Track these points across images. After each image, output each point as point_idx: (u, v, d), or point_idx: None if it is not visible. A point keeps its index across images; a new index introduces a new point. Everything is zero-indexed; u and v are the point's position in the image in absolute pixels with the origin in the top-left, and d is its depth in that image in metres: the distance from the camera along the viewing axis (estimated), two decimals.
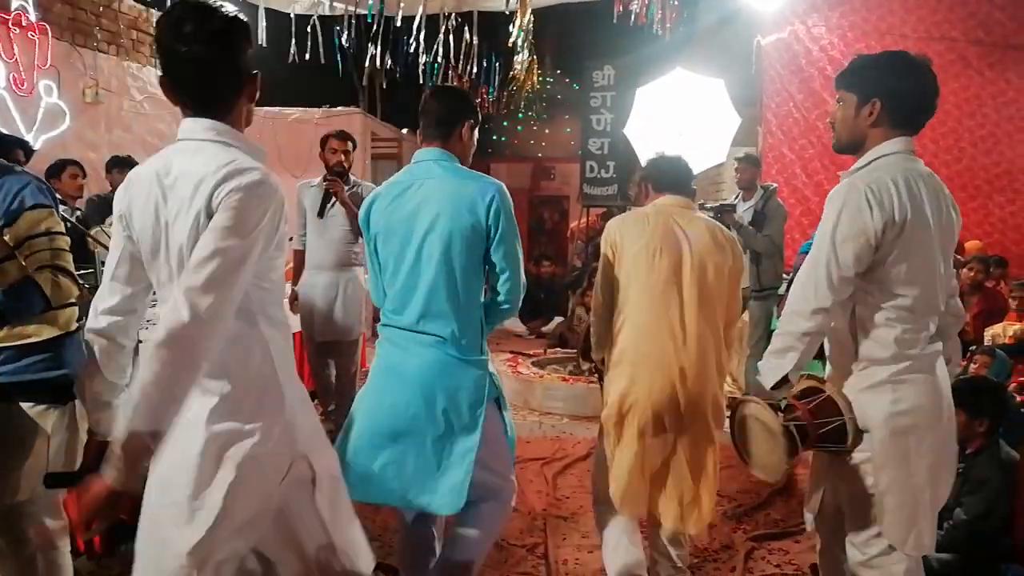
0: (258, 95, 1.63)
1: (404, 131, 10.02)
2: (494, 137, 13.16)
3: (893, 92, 1.92)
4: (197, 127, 1.53)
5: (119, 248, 1.60)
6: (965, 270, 5.05)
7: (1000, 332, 4.51)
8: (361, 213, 2.29)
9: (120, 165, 5.02)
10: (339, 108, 7.92)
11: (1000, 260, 5.73)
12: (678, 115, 5.62)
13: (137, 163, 5.05)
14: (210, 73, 1.50)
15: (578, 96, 9.91)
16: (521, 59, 8.36)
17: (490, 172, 2.61)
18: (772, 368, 1.96)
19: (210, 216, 1.46)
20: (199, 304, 1.38)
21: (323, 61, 6.41)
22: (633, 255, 2.44)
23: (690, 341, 2.38)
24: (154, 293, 1.64)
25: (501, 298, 2.25)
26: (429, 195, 2.15)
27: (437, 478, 2.14)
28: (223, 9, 1.51)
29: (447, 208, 2.12)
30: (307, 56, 6.33)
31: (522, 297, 2.26)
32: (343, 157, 4.14)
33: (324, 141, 4.17)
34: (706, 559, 3.11)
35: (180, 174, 1.50)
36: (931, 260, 1.91)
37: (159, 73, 1.59)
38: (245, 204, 1.45)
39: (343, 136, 4.22)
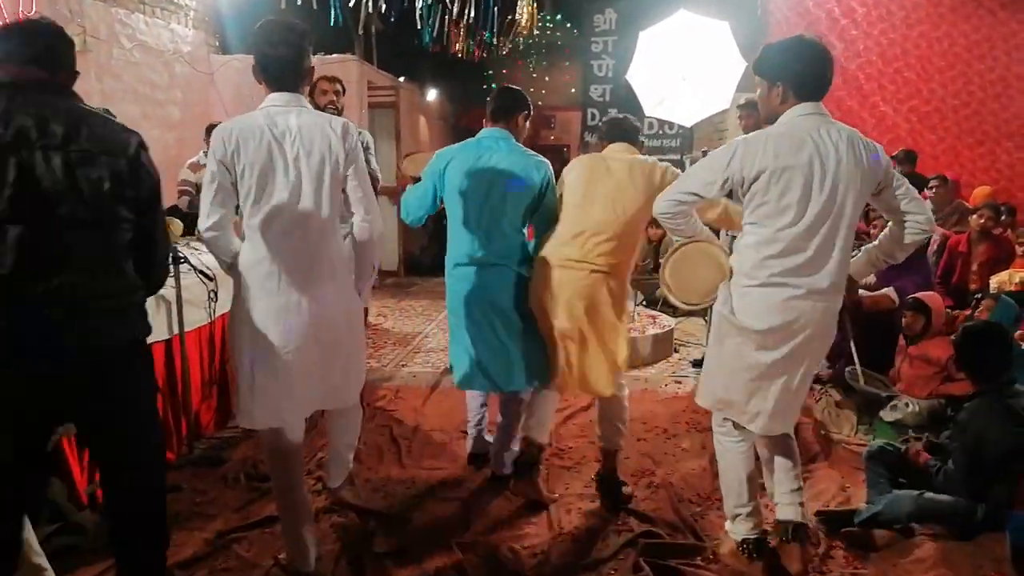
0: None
1: (401, 79, 9.81)
2: (492, 85, 12.91)
3: (793, 75, 2.37)
4: (285, 99, 2.30)
5: (216, 182, 2.26)
6: (975, 217, 4.98)
7: (1006, 279, 4.47)
8: (435, 167, 3.01)
9: None
10: (334, 55, 7.70)
11: (1011, 208, 5.65)
12: (682, 59, 5.47)
13: (112, 115, 4.95)
14: (290, 66, 2.28)
15: (579, 42, 9.69)
16: (522, 3, 8.14)
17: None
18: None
19: (347, 154, 2.33)
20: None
21: (315, 6, 6.22)
22: (566, 187, 3.07)
23: (597, 248, 2.91)
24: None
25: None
26: (501, 162, 2.93)
27: (515, 361, 3.00)
28: (298, 25, 2.30)
29: (518, 173, 2.92)
30: (299, 1, 6.13)
31: None
32: (334, 98, 4.12)
33: (313, 86, 4.10)
34: (710, 506, 3.11)
35: (296, 127, 2.26)
36: (792, 207, 2.31)
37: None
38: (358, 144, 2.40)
39: (332, 79, 4.20)
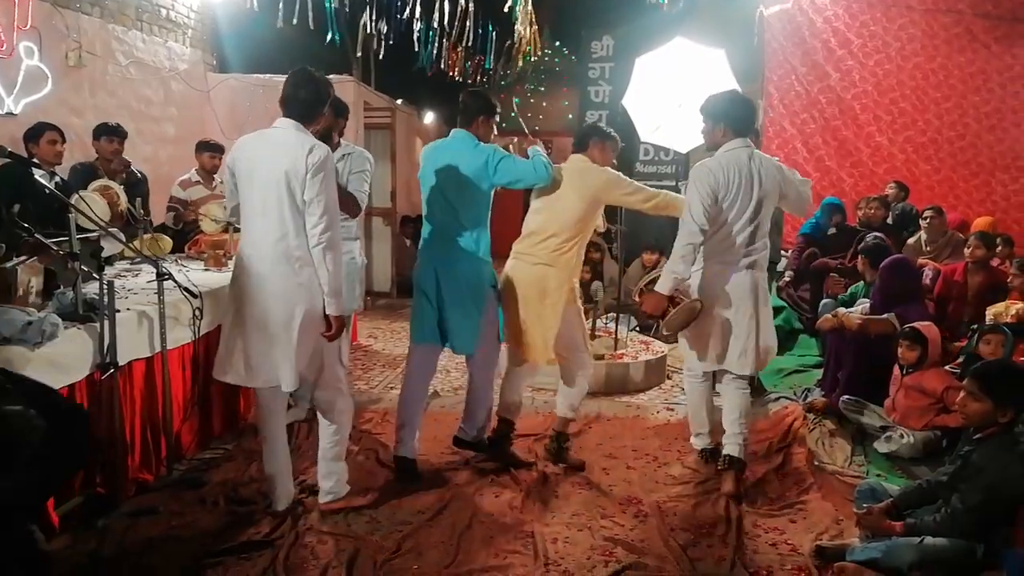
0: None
1: (398, 101, 9.83)
2: None
3: (732, 118, 3.36)
4: (283, 123, 2.89)
5: (227, 184, 3.01)
6: (966, 248, 4.94)
7: (1003, 311, 4.43)
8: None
9: (109, 133, 4.82)
10: (331, 76, 7.64)
11: (1008, 239, 5.62)
12: (678, 86, 5.46)
13: (124, 131, 4.94)
14: (295, 101, 2.90)
15: (575, 68, 9.73)
16: (521, 29, 8.17)
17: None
18: (671, 272, 3.34)
19: (307, 170, 2.77)
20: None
21: (312, 27, 6.22)
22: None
23: (540, 244, 3.55)
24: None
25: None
26: (448, 154, 3.46)
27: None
28: (319, 77, 2.95)
29: (464, 165, 3.40)
30: (295, 21, 6.14)
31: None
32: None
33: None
34: (701, 536, 3.04)
35: (276, 143, 2.85)
36: (733, 212, 3.30)
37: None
38: (327, 165, 2.84)
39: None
